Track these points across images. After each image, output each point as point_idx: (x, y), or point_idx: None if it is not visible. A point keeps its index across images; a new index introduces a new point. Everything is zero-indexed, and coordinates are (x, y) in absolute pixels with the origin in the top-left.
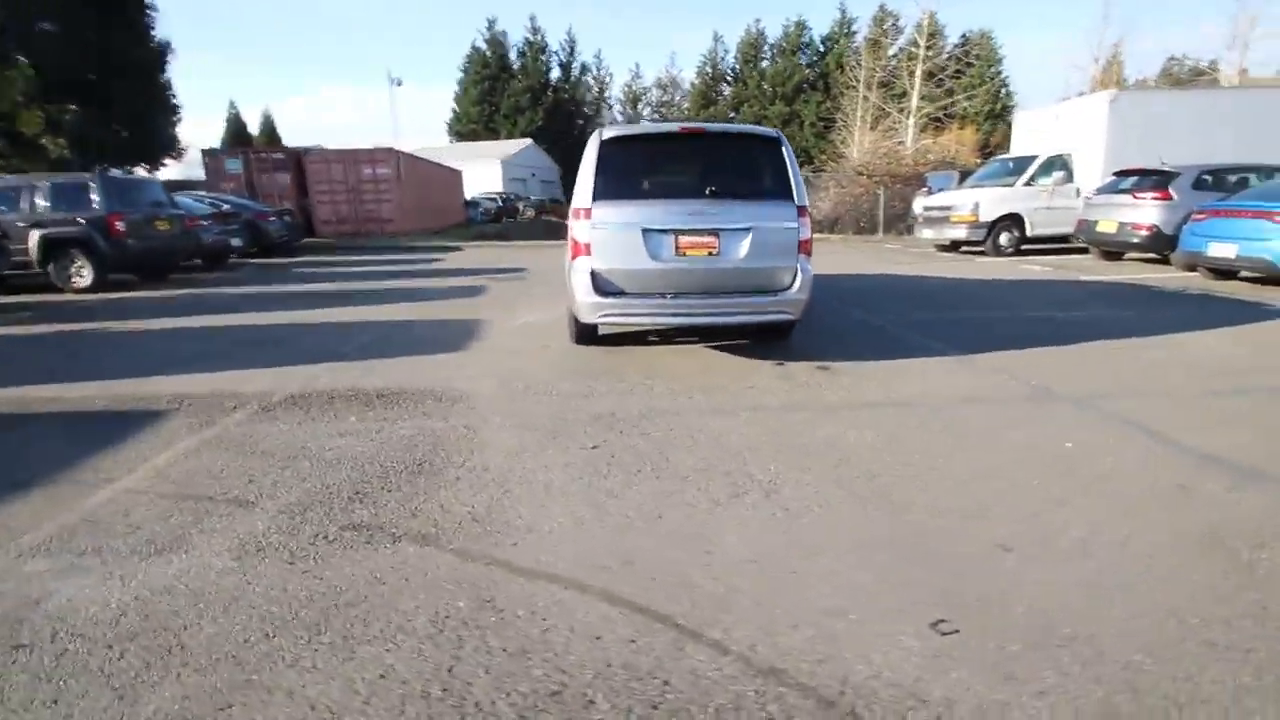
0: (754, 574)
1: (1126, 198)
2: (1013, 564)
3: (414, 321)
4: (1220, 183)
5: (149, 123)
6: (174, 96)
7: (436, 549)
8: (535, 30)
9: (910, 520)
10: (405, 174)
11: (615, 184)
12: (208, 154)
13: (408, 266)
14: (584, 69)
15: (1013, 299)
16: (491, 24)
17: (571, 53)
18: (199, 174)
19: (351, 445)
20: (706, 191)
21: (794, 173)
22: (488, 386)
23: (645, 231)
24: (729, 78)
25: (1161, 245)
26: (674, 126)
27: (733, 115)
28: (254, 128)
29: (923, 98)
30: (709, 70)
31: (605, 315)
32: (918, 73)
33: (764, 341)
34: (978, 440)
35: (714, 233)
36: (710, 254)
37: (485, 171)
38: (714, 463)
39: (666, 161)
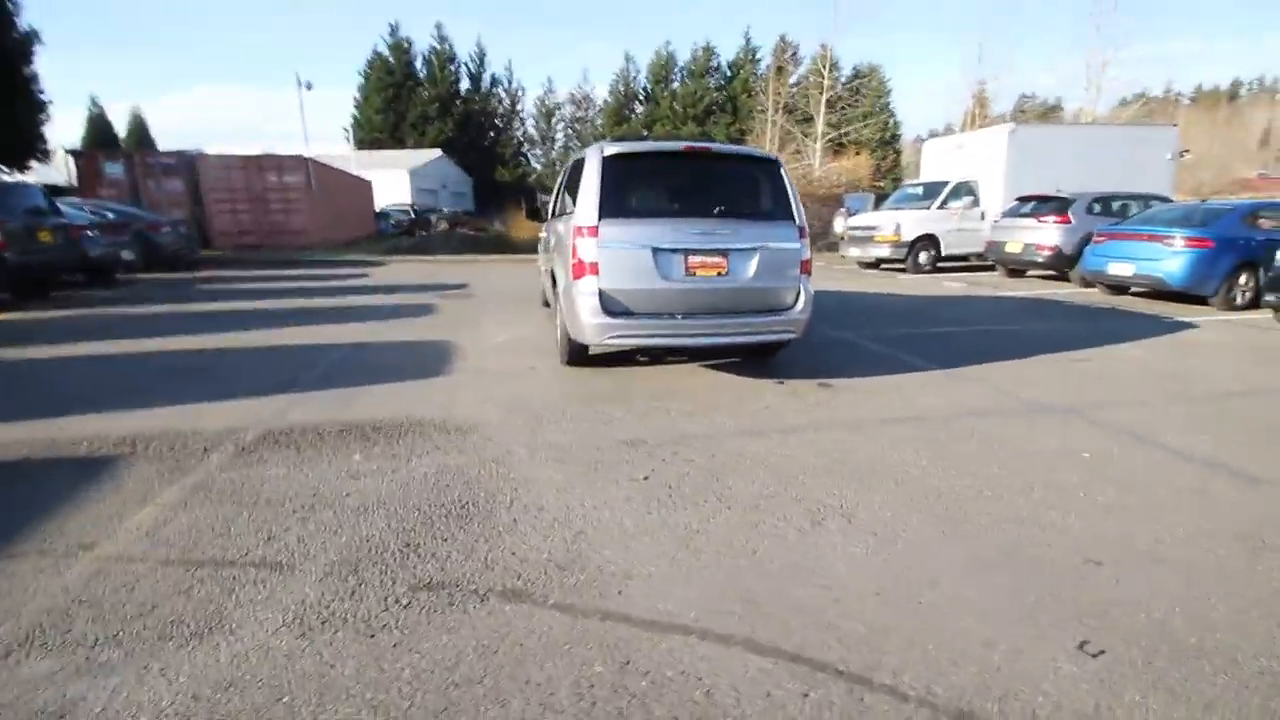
0: (885, 607)
1: (1031, 221)
2: (1108, 576)
3: (371, 344)
4: (1107, 209)
5: (14, 120)
6: (41, 92)
7: (536, 606)
8: (442, 39)
9: (997, 537)
10: (317, 183)
11: (620, 202)
12: (78, 155)
13: (334, 282)
14: (494, 81)
15: (953, 314)
16: (394, 29)
17: (481, 63)
18: (57, 178)
19: (371, 488)
20: (715, 211)
21: (793, 194)
22: (493, 414)
23: (655, 251)
24: (641, 97)
25: (1062, 263)
26: (678, 145)
27: (645, 133)
28: (120, 128)
29: (828, 124)
30: (621, 89)
31: (614, 336)
32: (822, 100)
33: (750, 359)
34: (1008, 453)
35: (723, 253)
36: (720, 274)
37: (392, 182)
38: (775, 488)
39: (669, 180)
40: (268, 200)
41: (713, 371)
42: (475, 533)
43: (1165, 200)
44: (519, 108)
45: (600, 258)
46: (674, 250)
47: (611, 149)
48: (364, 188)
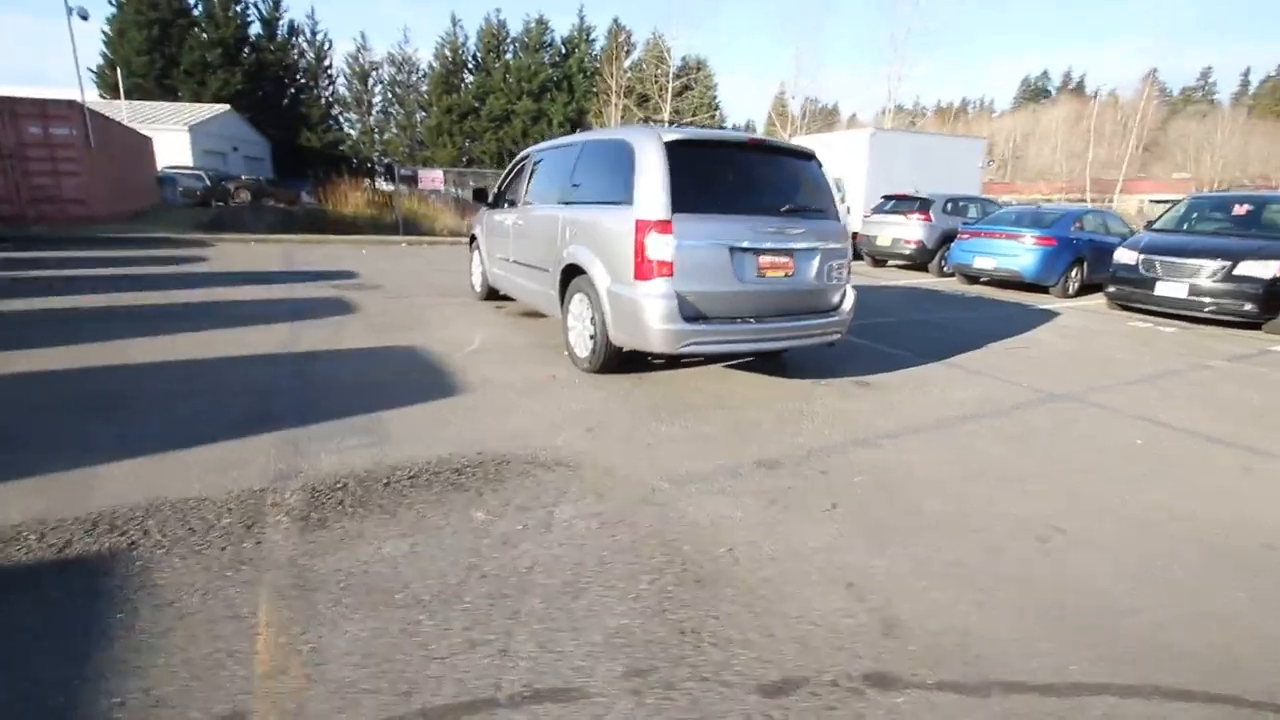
0: (1225, 630)
1: (898, 217)
2: None
3: (319, 353)
4: (958, 209)
5: None
6: None
7: (924, 690)
8: None
9: (1211, 538)
10: (96, 139)
11: (690, 196)
12: None
13: (172, 268)
14: (294, 29)
15: (868, 303)
16: None
17: (276, 6)
18: None
19: (546, 558)
20: (782, 209)
21: (833, 190)
22: (581, 440)
23: (733, 250)
24: (471, 66)
25: (925, 257)
26: (741, 135)
27: (478, 105)
28: None
29: (674, 111)
30: (449, 54)
31: (691, 345)
32: (669, 86)
33: (765, 358)
34: (1076, 443)
35: (790, 253)
36: (787, 275)
37: (169, 142)
38: (958, 505)
39: (731, 174)
40: (27, 159)
41: (742, 373)
42: (736, 599)
43: (994, 203)
44: (326, 63)
45: (675, 257)
46: (748, 250)
47: (671, 134)
48: (145, 147)
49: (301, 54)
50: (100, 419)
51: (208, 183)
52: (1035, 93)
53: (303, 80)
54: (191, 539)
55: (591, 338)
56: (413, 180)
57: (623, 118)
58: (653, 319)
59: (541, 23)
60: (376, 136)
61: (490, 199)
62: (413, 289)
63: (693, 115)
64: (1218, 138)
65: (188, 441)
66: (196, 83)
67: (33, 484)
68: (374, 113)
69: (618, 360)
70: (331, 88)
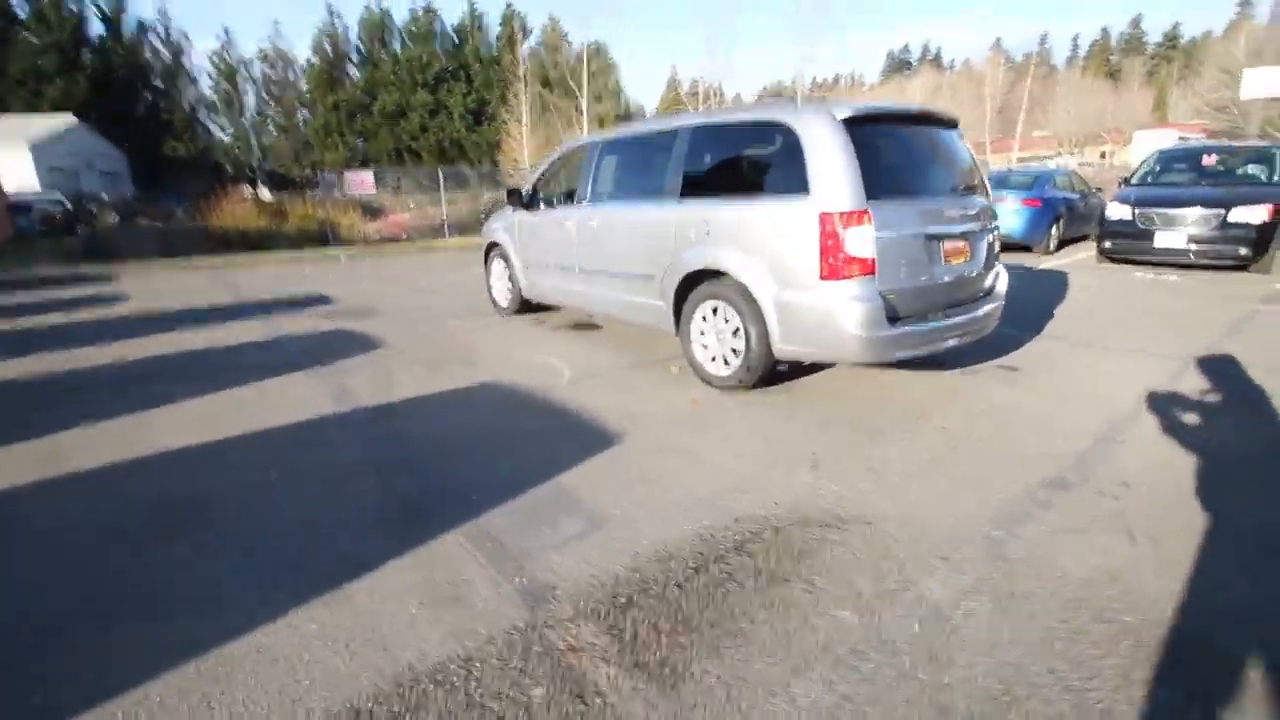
0: None
1: None
2: None
3: (395, 406)
4: None
5: None
6: None
7: None
8: None
9: None
10: None
11: (877, 179)
12: None
13: (90, 313)
14: (142, 26)
15: None
16: None
17: (120, 3)
18: None
19: (972, 663)
20: (955, 188)
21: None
22: (826, 482)
23: (928, 239)
24: (354, 59)
25: None
26: (911, 106)
27: (368, 101)
28: None
29: (599, 96)
30: (329, 48)
31: (899, 351)
32: (584, 73)
33: None
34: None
35: (967, 236)
36: (965, 261)
37: (5, 162)
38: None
39: (907, 150)
40: None
41: (876, 372)
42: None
43: None
44: (186, 63)
45: (877, 251)
46: (938, 236)
47: (843, 110)
48: None
49: (155, 54)
50: (190, 548)
51: (68, 206)
52: (900, 65)
53: (159, 84)
54: None
55: (736, 351)
56: (336, 185)
57: (541, 106)
58: (854, 325)
59: (430, 10)
60: (254, 141)
61: (525, 199)
62: (413, 310)
63: (598, 100)
64: (1059, 98)
65: (336, 569)
66: (30, 92)
67: (172, 683)
68: (248, 115)
69: (772, 374)
70: (195, 90)
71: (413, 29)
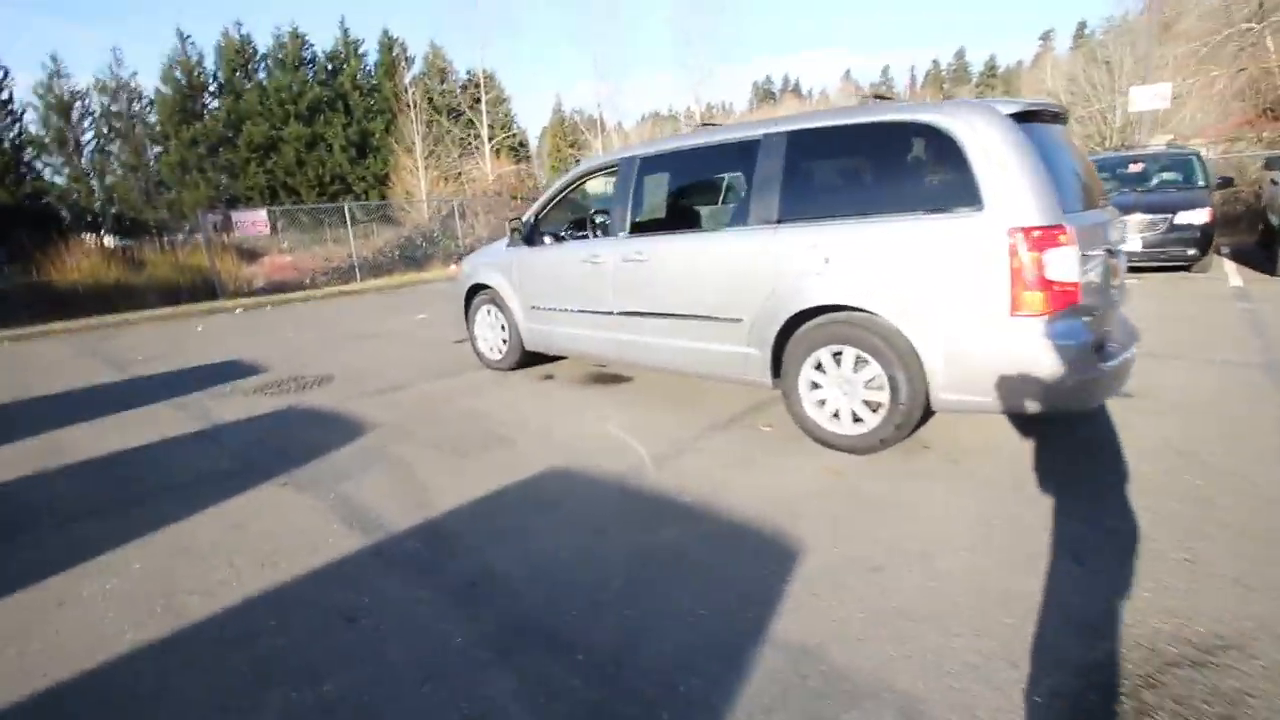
0: None
1: None
2: None
3: (443, 527)
4: None
5: None
6: None
7: None
8: None
9: None
10: None
11: (1053, 189)
12: None
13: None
14: None
15: None
16: None
17: None
18: None
19: None
20: (1101, 200)
21: None
22: (1060, 578)
23: (1108, 255)
24: (213, 89)
25: None
26: (1050, 102)
27: (231, 135)
28: None
29: (492, 125)
30: (182, 77)
31: (1105, 395)
32: (483, 100)
33: None
34: None
35: (1118, 252)
36: (1118, 279)
37: None
38: None
39: (1063, 155)
40: None
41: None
42: None
43: None
44: (4, 97)
45: (1081, 275)
46: (1114, 252)
47: (1006, 107)
48: None
49: None
50: None
51: None
52: (765, 95)
53: None
54: None
55: (872, 405)
56: (224, 226)
57: (435, 136)
58: (1061, 368)
59: (297, 36)
60: (95, 183)
61: (525, 232)
62: (371, 373)
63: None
64: None
65: None
66: None
67: None
68: (87, 153)
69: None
70: (19, 128)
71: (280, 56)
